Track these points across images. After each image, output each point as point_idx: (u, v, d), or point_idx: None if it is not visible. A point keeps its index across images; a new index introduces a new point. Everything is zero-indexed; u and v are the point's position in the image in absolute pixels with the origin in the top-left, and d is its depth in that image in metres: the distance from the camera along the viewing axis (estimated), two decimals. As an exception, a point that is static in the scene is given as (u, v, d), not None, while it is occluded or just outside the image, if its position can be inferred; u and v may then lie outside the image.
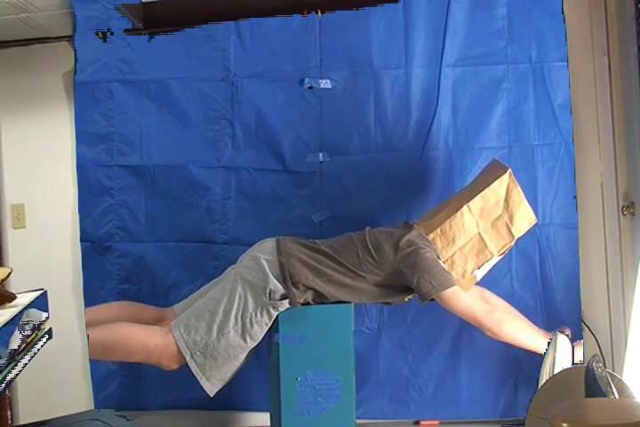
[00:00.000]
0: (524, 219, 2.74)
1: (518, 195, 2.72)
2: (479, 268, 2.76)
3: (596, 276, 3.00)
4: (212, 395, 2.64)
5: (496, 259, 2.77)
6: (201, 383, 2.61)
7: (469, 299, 2.64)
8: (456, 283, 2.62)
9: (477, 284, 2.83)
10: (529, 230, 2.80)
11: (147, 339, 2.62)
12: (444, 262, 2.70)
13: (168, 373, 2.69)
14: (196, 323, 2.61)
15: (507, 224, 2.73)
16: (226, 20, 3.02)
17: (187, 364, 2.61)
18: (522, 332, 2.68)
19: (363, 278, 2.64)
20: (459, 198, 2.79)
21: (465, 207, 2.72)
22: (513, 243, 2.76)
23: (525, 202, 2.73)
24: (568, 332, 2.79)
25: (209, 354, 2.60)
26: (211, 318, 2.60)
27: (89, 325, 2.72)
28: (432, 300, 2.61)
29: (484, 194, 2.72)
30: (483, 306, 2.66)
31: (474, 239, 2.74)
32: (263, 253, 2.67)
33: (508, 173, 2.71)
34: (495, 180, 2.72)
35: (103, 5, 2.95)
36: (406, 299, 2.78)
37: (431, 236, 2.72)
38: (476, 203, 2.72)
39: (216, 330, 2.59)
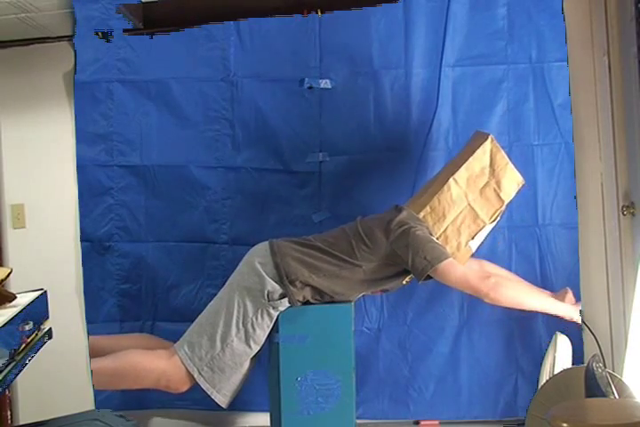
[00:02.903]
0: (512, 182, 2.76)
1: (502, 159, 2.73)
2: (473, 238, 2.76)
3: (595, 276, 2.99)
4: (225, 406, 2.66)
5: (489, 226, 2.78)
6: (212, 397, 2.62)
7: (463, 268, 2.62)
8: (450, 255, 2.61)
9: (474, 256, 2.84)
10: (517, 192, 2.80)
11: (154, 364, 2.62)
12: (437, 238, 2.70)
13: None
14: (198, 339, 2.61)
15: (495, 190, 2.74)
16: (226, 20, 3.02)
17: (195, 384, 2.62)
18: (522, 293, 2.68)
19: (359, 268, 2.63)
20: (444, 173, 2.80)
21: (451, 180, 2.72)
22: (503, 208, 2.77)
23: (510, 165, 2.74)
24: (570, 294, 2.81)
25: (216, 367, 2.60)
26: (212, 330, 2.60)
27: (97, 352, 2.72)
28: (429, 278, 2.60)
29: (468, 164, 2.73)
30: (477, 273, 2.64)
31: (464, 211, 2.74)
32: (257, 256, 2.67)
33: (490, 139, 2.73)
34: (478, 148, 2.73)
35: (103, 5, 2.95)
36: (404, 282, 2.78)
37: (421, 214, 2.73)
38: (462, 174, 2.73)
39: (219, 341, 2.59)
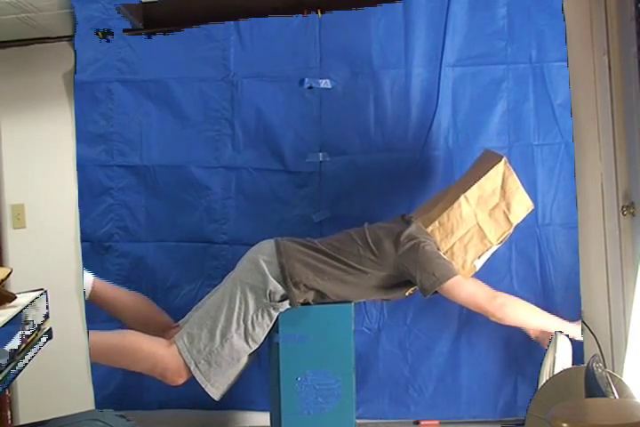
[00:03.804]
0: (522, 205, 2.75)
1: (514, 182, 2.73)
2: (479, 257, 2.76)
3: (595, 276, 2.99)
4: (217, 399, 2.65)
5: (495, 247, 2.78)
6: (206, 390, 2.62)
7: (472, 287, 2.64)
8: (458, 272, 2.62)
9: (475, 276, 2.83)
10: (526, 217, 2.80)
11: (153, 348, 2.63)
12: (443, 254, 2.70)
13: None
14: (198, 331, 2.61)
15: (504, 212, 2.74)
16: (226, 20, 3.02)
17: (191, 377, 2.62)
18: (526, 313, 2.68)
19: (364, 274, 2.63)
20: (455, 189, 2.79)
21: (462, 198, 2.72)
22: (511, 230, 2.76)
23: (521, 189, 2.74)
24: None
25: (213, 361, 2.60)
26: (213, 324, 2.61)
27: (99, 300, 2.78)
28: (435, 293, 2.61)
29: (480, 183, 2.72)
30: (485, 293, 2.65)
31: (472, 229, 2.74)
32: (262, 254, 2.67)
33: (503, 161, 2.72)
34: (491, 168, 2.72)
35: (103, 5, 2.94)
36: (407, 293, 2.77)
37: (430, 228, 2.72)
38: (473, 193, 2.73)
39: (219, 336, 2.59)
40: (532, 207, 2.80)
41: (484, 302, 2.61)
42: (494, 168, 2.72)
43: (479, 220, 2.73)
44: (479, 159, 2.88)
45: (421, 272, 2.57)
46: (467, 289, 2.61)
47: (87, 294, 2.81)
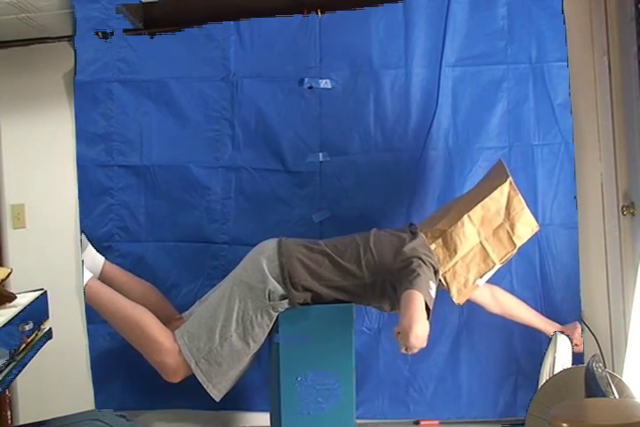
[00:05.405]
0: (526, 227, 2.73)
1: (519, 203, 2.71)
2: (481, 277, 2.75)
3: (596, 276, 3.00)
4: (217, 400, 2.65)
5: (498, 266, 2.77)
6: (208, 391, 2.61)
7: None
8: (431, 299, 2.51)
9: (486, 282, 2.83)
10: (531, 237, 2.79)
11: (161, 338, 2.62)
12: (445, 272, 2.70)
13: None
14: (198, 330, 2.61)
15: (508, 232, 2.72)
16: (226, 20, 3.02)
17: (189, 376, 2.62)
18: None
19: (361, 281, 2.62)
20: (460, 206, 2.78)
21: (465, 217, 2.71)
22: (515, 251, 2.75)
23: (527, 210, 2.72)
24: (579, 329, 2.81)
25: (213, 360, 2.60)
26: (212, 323, 2.60)
27: (106, 278, 2.80)
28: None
29: (484, 203, 2.71)
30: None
31: (475, 248, 2.73)
32: (263, 254, 2.66)
33: (508, 182, 2.71)
34: (495, 188, 2.71)
35: (103, 5, 2.95)
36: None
37: (433, 246, 2.70)
38: (477, 212, 2.72)
39: (218, 335, 2.59)
40: (538, 228, 2.77)
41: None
42: (499, 189, 2.70)
43: (482, 239, 2.72)
44: (490, 172, 2.86)
45: (404, 280, 2.48)
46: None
47: (97, 275, 2.81)
